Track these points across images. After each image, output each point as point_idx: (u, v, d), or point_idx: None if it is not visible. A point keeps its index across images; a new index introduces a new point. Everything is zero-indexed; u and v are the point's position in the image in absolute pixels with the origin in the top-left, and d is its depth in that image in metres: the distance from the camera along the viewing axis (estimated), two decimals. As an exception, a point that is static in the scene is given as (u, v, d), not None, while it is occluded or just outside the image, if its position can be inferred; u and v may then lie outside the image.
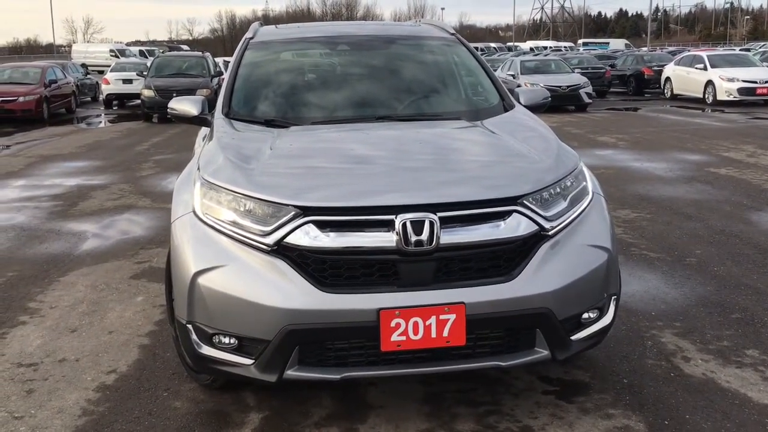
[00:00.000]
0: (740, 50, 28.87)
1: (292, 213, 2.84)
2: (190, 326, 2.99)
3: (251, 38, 4.60)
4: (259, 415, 3.25)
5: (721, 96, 19.61)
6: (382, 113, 3.95)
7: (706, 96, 20.26)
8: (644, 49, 42.80)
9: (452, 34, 4.80)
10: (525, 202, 2.95)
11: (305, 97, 4.19)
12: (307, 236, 2.81)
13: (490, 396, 3.37)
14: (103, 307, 4.66)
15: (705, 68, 20.50)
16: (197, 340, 2.98)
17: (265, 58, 4.45)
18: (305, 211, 2.83)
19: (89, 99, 25.17)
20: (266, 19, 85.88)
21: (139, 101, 19.14)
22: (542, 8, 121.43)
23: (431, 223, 2.79)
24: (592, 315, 3.09)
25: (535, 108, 4.27)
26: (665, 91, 22.91)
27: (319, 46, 4.68)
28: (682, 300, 4.61)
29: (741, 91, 19.35)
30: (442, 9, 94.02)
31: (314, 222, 2.82)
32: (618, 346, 3.89)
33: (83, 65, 29.00)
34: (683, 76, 21.67)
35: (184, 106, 4.11)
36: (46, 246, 6.22)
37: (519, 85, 17.52)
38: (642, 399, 3.33)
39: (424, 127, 3.77)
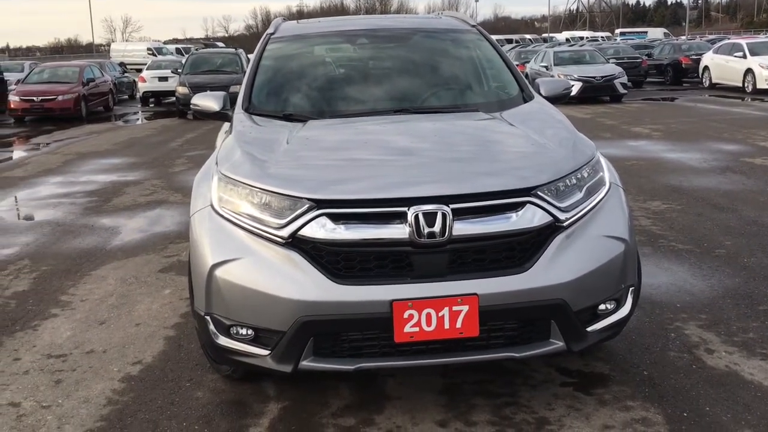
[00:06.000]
0: (782, 37, 28.12)
1: (307, 206, 2.87)
2: (208, 317, 3.05)
3: (272, 33, 4.65)
4: (278, 405, 3.30)
5: (761, 84, 19.16)
6: (400, 106, 3.96)
7: (746, 84, 19.82)
8: (683, 37, 41.91)
9: (473, 26, 4.78)
10: (539, 193, 2.93)
11: (323, 91, 4.22)
12: (322, 229, 2.84)
13: (507, 387, 3.37)
14: (131, 300, 4.77)
15: (744, 56, 20.04)
16: (215, 331, 3.04)
17: (284, 53, 4.49)
18: (319, 203, 2.86)
19: (126, 97, 25.70)
20: (300, 15, 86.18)
21: (174, 98, 19.42)
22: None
23: (444, 215, 2.80)
24: (608, 306, 3.07)
25: (555, 99, 4.24)
26: (703, 80, 22.48)
27: (339, 41, 4.70)
28: (708, 292, 4.53)
29: (782, 78, 18.89)
30: (476, 1, 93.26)
31: (328, 215, 2.84)
32: (640, 338, 3.85)
33: (121, 64, 29.57)
34: (722, 65, 21.22)
35: (207, 101, 4.18)
36: (80, 241, 6.38)
37: (552, 77, 17.33)
38: (662, 391, 3.30)
39: (442, 119, 3.77)
